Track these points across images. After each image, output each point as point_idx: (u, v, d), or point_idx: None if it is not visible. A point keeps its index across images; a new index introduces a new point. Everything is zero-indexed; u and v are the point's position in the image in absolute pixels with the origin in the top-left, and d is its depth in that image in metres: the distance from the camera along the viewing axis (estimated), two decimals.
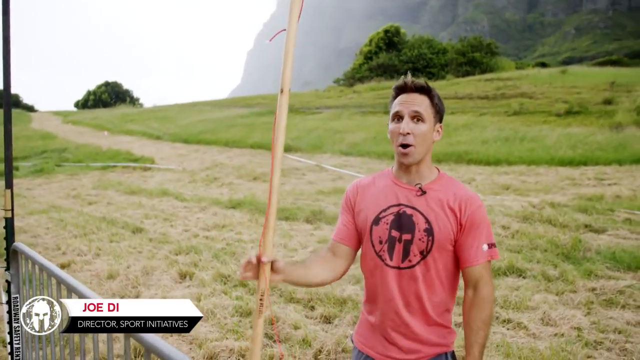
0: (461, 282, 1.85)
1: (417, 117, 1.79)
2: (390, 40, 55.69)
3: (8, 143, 3.07)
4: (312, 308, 4.59)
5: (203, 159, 20.15)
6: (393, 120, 1.83)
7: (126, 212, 10.02)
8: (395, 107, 1.84)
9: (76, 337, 3.58)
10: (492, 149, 16.80)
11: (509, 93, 29.59)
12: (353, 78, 53.28)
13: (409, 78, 1.85)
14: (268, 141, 23.32)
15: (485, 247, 1.77)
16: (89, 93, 77.69)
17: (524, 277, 5.25)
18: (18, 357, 2.67)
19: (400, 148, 1.79)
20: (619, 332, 3.96)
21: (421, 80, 1.85)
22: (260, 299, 1.62)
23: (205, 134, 28.09)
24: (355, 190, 1.95)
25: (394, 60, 52.23)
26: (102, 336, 3.72)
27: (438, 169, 1.90)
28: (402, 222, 1.81)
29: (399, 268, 1.81)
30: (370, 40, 57.32)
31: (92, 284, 5.38)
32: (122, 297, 5.01)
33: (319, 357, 3.52)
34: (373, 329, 1.91)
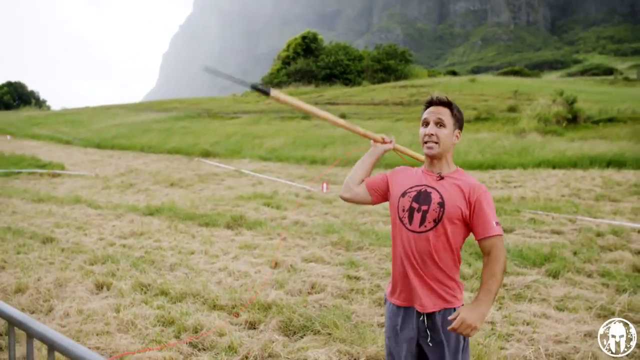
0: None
1: (439, 123, 2.37)
2: (307, 46, 56.23)
3: None
4: (237, 314, 4.55)
5: (117, 165, 19.38)
6: (422, 126, 2.43)
7: (34, 221, 9.43)
8: (424, 116, 2.44)
9: None
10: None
11: (422, 100, 30.47)
12: (271, 83, 53.32)
13: (435, 94, 2.45)
14: (185, 146, 22.86)
15: (494, 224, 2.28)
16: None
17: None
18: None
19: (426, 144, 2.39)
20: (527, 324, 4.25)
21: (443, 96, 2.42)
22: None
23: (120, 138, 27.04)
24: (398, 170, 2.58)
25: (311, 66, 52.80)
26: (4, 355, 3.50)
27: (457, 168, 2.46)
28: (421, 197, 2.38)
29: (416, 232, 2.36)
30: (288, 46, 57.63)
31: None
32: (32, 312, 4.72)
33: None
34: (397, 282, 2.46)
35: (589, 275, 5.52)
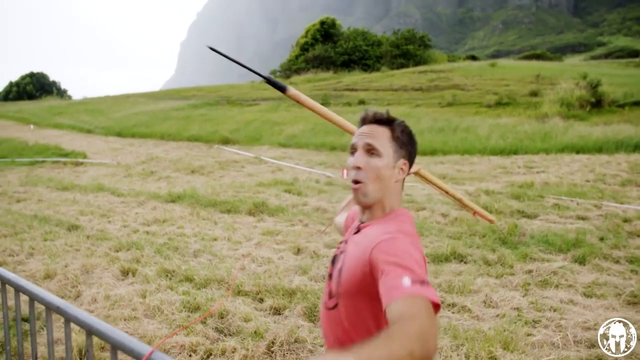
0: None
1: (371, 151, 1.60)
2: (326, 32, 55.93)
3: None
4: (261, 300, 4.58)
5: (138, 153, 19.55)
6: (351, 153, 1.68)
7: (59, 209, 9.58)
8: (352, 139, 1.68)
9: (14, 340, 3.42)
10: (428, 139, 17.24)
11: (442, 85, 30.47)
12: (289, 69, 53.23)
13: (370, 110, 1.68)
14: (205, 133, 22.94)
15: (406, 280, 1.26)
16: (11, 84, 73.44)
17: (465, 262, 5.45)
18: None
19: (352, 184, 1.63)
20: (554, 310, 4.20)
21: (383, 112, 1.65)
22: None
23: (140, 127, 27.26)
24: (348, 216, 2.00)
25: (329, 52, 52.54)
26: (43, 338, 3.57)
27: (395, 210, 1.65)
28: (337, 258, 1.68)
29: (326, 307, 1.65)
30: (307, 32, 57.37)
31: None
32: (61, 298, 4.80)
33: (272, 348, 3.52)
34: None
35: (617, 262, 5.43)
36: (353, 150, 1.65)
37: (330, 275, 1.66)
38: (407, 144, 1.65)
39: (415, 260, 1.35)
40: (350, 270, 1.50)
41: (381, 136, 1.61)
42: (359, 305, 1.49)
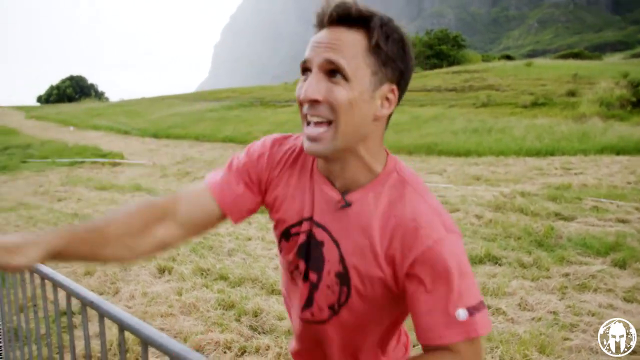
0: None
1: (333, 71, 0.96)
2: None
3: None
4: None
5: (174, 154, 19.90)
6: (302, 73, 1.03)
7: (98, 208, 9.84)
8: (306, 52, 1.01)
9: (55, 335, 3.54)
10: (462, 140, 17.05)
11: (476, 85, 30.06)
12: None
13: (330, 0, 0.98)
14: (239, 134, 23.19)
15: (461, 312, 0.94)
16: (52, 87, 75.87)
17: (500, 265, 5.38)
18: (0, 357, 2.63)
19: (304, 126, 1.02)
20: (593, 315, 4.11)
21: (357, 3, 0.97)
22: None
23: (175, 128, 27.74)
24: (285, 152, 1.19)
25: None
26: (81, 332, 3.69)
27: (387, 162, 1.10)
28: (311, 251, 1.11)
29: (300, 319, 1.18)
30: None
31: None
32: (101, 294, 4.94)
33: None
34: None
35: None
36: (305, 69, 1.01)
37: (304, 272, 1.14)
38: (397, 57, 0.99)
39: (464, 272, 0.97)
40: (374, 276, 1.03)
41: (351, 46, 0.95)
42: (377, 304, 1.09)
